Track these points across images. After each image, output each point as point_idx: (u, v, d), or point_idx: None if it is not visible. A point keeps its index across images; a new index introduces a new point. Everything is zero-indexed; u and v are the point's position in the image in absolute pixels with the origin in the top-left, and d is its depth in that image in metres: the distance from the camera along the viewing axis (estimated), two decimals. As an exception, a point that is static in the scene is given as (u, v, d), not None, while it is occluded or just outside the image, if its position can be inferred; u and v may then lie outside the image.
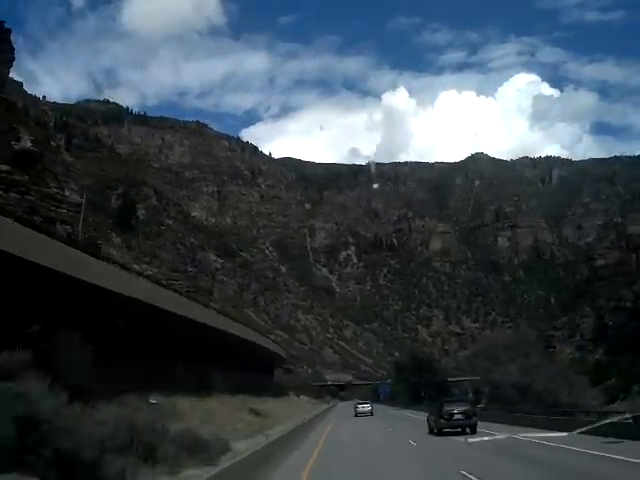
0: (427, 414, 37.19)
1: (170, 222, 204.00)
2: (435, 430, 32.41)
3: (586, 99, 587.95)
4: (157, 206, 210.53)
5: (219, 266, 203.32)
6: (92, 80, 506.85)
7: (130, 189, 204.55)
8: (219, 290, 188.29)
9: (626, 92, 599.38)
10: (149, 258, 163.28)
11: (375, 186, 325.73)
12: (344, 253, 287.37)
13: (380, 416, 58.56)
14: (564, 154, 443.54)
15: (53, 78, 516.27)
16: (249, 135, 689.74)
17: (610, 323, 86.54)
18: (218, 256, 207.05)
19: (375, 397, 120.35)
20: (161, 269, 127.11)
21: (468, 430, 31.54)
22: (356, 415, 59.47)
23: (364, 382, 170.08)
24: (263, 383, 49.07)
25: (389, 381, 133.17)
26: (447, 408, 32.41)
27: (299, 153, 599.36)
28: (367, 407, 62.45)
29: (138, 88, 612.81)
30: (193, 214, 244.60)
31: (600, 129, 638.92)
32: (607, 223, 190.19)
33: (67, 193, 69.98)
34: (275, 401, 44.78)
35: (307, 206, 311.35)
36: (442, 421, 32.03)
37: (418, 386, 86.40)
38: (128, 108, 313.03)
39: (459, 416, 31.94)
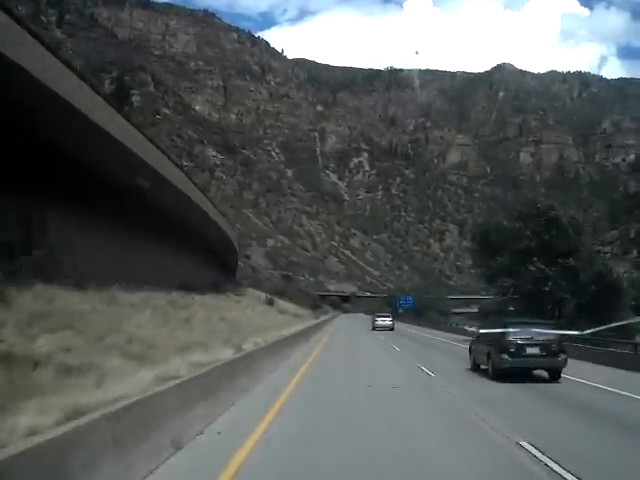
0: (472, 340, 22.39)
1: (167, 112, 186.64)
2: (487, 368, 17.98)
3: (616, 20, 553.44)
4: (154, 94, 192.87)
5: (218, 162, 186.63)
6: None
7: (125, 74, 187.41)
8: (217, 188, 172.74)
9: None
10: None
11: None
12: (355, 160, 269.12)
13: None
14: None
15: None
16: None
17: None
18: (218, 152, 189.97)
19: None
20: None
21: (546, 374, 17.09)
22: (374, 329, 51.66)
23: (370, 294, 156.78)
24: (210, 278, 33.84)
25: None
26: (514, 336, 17.16)
27: (314, 56, 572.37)
28: (388, 321, 54.39)
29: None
30: (195, 107, 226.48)
31: (628, 52, 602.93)
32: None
33: None
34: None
35: (319, 108, 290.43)
36: (504, 356, 16.87)
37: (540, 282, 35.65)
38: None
39: (535, 350, 16.80)
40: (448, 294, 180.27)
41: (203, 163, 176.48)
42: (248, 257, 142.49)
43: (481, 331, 21.06)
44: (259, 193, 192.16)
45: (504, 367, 16.61)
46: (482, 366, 18.52)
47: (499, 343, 17.13)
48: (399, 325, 60.14)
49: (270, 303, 40.26)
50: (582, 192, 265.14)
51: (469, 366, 19.97)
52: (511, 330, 17.35)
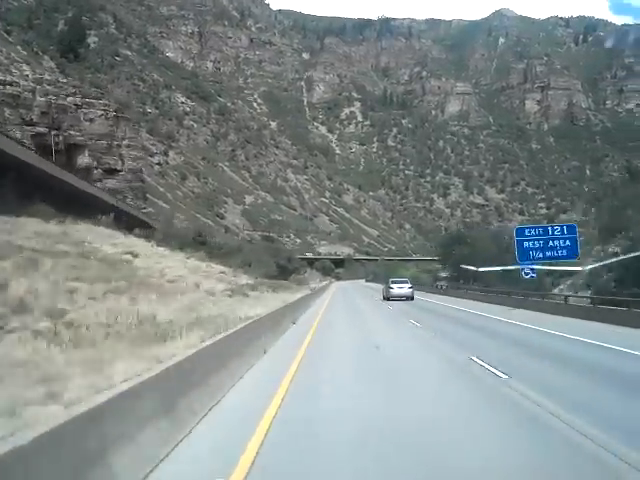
0: None
1: (128, 53, 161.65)
2: None
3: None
4: (114, 35, 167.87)
5: (189, 109, 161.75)
6: None
7: (83, 14, 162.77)
8: (187, 137, 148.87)
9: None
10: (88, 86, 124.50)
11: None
12: (347, 110, 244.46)
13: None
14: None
15: None
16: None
17: None
18: (188, 98, 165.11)
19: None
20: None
21: None
22: (388, 298, 40.87)
23: (367, 257, 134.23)
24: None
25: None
26: None
27: (299, 6, 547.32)
28: (406, 288, 42.62)
29: None
30: (167, 54, 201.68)
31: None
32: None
33: None
34: None
35: (305, 55, 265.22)
36: None
37: None
38: None
39: None
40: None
41: (170, 110, 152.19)
42: (221, 216, 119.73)
43: None
44: (236, 144, 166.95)
45: None
46: None
47: None
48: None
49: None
50: (595, 141, 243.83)
51: None
52: None
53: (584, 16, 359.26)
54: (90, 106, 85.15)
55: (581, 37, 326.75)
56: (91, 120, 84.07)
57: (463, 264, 41.39)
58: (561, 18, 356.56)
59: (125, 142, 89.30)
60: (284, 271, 53.08)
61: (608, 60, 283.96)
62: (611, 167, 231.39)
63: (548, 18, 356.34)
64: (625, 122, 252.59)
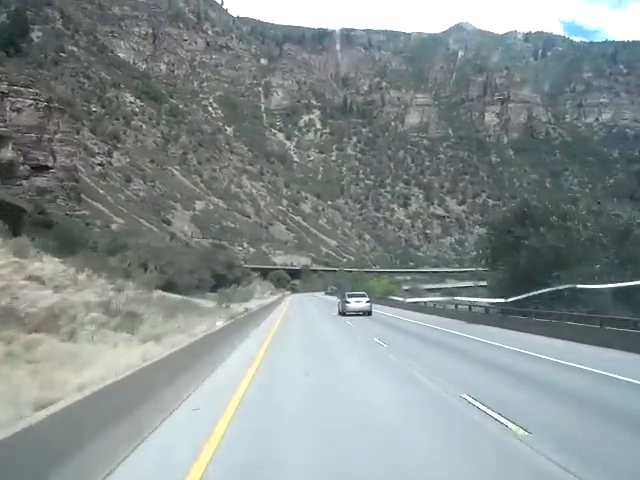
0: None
1: (75, 50, 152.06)
2: None
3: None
4: (61, 31, 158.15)
5: (137, 110, 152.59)
6: None
7: (27, 8, 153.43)
8: (134, 138, 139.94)
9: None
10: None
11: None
12: (305, 117, 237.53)
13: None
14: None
15: None
16: None
17: None
18: (137, 98, 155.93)
19: None
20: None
21: None
22: (344, 313, 36.69)
23: (327, 268, 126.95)
24: None
25: None
26: None
27: (258, 14, 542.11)
28: (363, 302, 37.99)
29: None
30: (118, 54, 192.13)
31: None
32: None
33: None
34: None
35: (263, 61, 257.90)
36: None
37: None
38: None
39: None
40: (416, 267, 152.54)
41: (117, 109, 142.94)
42: (168, 222, 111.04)
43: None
44: (188, 148, 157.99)
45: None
46: None
47: None
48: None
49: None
50: (554, 154, 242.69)
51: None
52: None
53: (542, 31, 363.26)
54: (18, 94, 75.53)
55: (540, 52, 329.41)
56: (18, 110, 74.39)
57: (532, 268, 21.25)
58: (520, 33, 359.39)
59: (58, 136, 79.67)
60: (222, 281, 43.88)
61: (567, 75, 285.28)
62: (571, 180, 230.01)
63: (507, 33, 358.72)
64: (584, 136, 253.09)
